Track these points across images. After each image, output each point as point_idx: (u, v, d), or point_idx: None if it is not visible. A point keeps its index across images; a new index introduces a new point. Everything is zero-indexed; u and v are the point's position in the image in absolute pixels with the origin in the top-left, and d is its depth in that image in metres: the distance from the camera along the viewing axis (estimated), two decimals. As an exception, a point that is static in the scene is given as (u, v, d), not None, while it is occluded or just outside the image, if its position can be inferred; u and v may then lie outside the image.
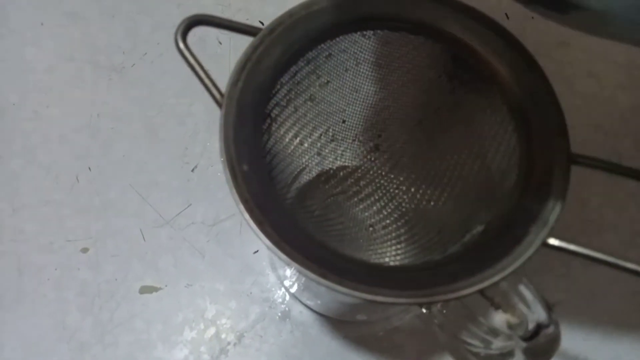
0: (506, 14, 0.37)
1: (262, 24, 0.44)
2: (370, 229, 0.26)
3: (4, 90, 0.40)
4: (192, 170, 0.38)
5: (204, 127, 0.39)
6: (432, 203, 0.25)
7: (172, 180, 0.37)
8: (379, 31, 0.23)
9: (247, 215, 0.18)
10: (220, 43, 0.42)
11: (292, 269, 0.30)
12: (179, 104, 0.40)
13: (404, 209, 0.26)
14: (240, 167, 0.19)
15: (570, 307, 0.33)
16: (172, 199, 0.37)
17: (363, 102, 0.27)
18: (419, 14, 0.23)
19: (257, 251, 0.35)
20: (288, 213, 0.20)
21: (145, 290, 0.34)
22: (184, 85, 0.40)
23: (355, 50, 0.24)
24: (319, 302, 0.32)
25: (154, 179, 0.37)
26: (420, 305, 0.18)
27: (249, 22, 0.47)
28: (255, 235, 0.17)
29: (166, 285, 0.34)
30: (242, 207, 0.18)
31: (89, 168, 0.37)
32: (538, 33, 0.40)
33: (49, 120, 0.39)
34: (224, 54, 0.42)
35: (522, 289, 0.21)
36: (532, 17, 0.41)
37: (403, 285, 0.18)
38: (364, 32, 0.23)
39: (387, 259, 0.22)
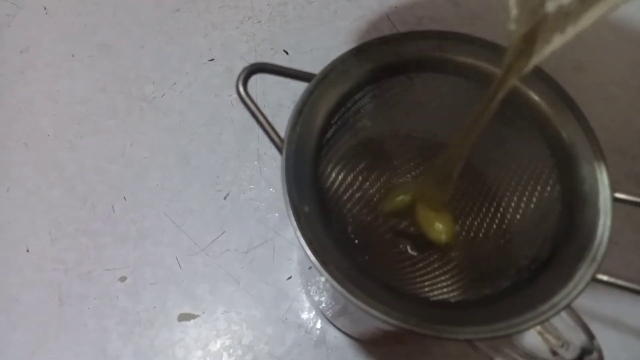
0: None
1: (287, 53, 0.46)
2: (413, 258, 0.27)
3: (40, 122, 0.41)
4: (225, 198, 0.39)
5: (234, 155, 0.40)
6: (475, 237, 0.26)
7: (206, 208, 0.38)
8: (422, 73, 0.25)
9: (313, 258, 0.19)
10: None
11: (328, 293, 0.31)
12: (210, 133, 0.41)
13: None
14: (302, 208, 0.20)
15: (600, 330, 0.34)
16: (206, 226, 0.37)
17: (404, 137, 0.28)
18: (460, 57, 0.24)
19: (291, 277, 0.36)
20: (344, 250, 0.21)
21: (184, 317, 0.35)
22: (213, 114, 0.41)
23: (399, 90, 0.25)
24: (355, 327, 0.33)
25: (188, 207, 0.38)
26: (479, 340, 0.19)
27: (273, 51, 0.48)
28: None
29: (203, 312, 0.35)
30: (307, 249, 0.19)
31: (124, 197, 0.38)
32: (554, 59, 0.42)
33: (84, 150, 0.40)
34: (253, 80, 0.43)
35: (565, 315, 0.22)
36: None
37: (462, 321, 0.19)
38: (408, 74, 0.24)
39: (437, 292, 0.23)
